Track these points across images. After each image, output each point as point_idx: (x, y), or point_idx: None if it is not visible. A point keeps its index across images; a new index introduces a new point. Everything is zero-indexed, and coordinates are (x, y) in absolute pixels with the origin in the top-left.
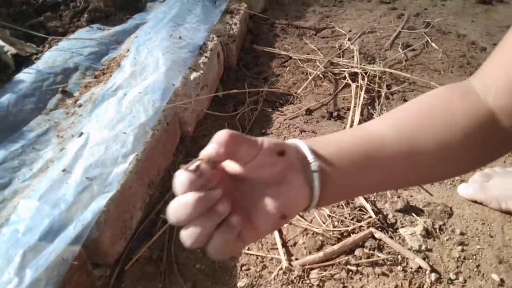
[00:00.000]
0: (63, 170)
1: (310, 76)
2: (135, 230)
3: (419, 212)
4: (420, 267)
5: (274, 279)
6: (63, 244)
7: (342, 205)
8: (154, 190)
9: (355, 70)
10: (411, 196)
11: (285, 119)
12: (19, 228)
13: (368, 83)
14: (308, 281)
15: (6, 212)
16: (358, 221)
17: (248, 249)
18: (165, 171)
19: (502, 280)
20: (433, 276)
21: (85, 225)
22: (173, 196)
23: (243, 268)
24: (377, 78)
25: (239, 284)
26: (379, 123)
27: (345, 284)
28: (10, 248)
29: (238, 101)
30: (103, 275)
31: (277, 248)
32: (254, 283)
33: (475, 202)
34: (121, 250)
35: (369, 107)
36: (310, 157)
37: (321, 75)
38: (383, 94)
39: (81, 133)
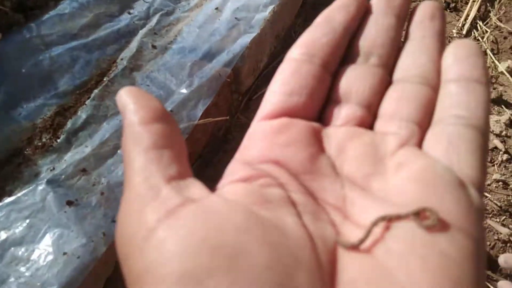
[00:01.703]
0: (216, 9)
1: None
2: (261, 72)
3: (508, 105)
4: (496, 147)
5: None
6: (219, 65)
7: None
8: (277, 43)
9: None
10: (505, 91)
11: None
12: (185, 46)
13: None
14: None
15: (172, 34)
16: None
17: None
18: (287, 30)
19: None
20: (505, 156)
21: (235, 54)
22: None
23: None
24: None
25: None
26: None
27: None
28: (181, 59)
29: None
30: (237, 98)
31: None
32: None
33: None
34: (250, 83)
35: (488, 4)
36: None
37: None
38: None
39: None
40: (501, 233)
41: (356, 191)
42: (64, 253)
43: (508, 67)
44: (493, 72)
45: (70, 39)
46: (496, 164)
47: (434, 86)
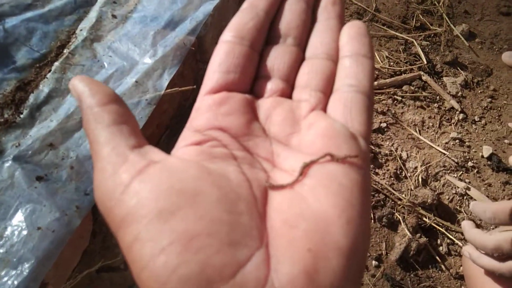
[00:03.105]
0: None
1: None
2: None
3: (463, 67)
4: (452, 108)
5: None
6: (183, 33)
7: (400, 50)
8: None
9: None
10: (460, 54)
11: None
12: (146, 15)
13: None
14: None
15: (132, 2)
16: (411, 65)
17: None
18: None
19: None
20: (461, 115)
21: (198, 22)
22: None
23: None
24: None
25: None
26: None
27: (390, 108)
28: (142, 28)
29: None
30: (202, 67)
31: None
32: None
33: None
34: None
35: None
36: None
37: None
38: None
39: None
40: (458, 187)
41: (280, 146)
42: (38, 228)
43: (462, 30)
44: (449, 35)
45: (25, 9)
46: (453, 123)
47: (335, 60)
